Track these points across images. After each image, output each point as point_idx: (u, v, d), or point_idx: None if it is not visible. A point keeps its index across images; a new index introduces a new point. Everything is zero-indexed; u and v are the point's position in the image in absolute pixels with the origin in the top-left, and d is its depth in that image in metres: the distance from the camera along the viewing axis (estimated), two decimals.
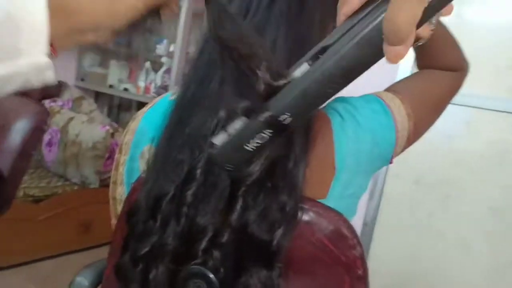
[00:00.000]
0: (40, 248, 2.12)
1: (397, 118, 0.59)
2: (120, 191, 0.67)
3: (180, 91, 0.55)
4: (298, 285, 0.53)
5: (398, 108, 0.60)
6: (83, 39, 0.38)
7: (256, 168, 0.46)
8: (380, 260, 1.72)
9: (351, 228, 0.53)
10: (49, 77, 0.36)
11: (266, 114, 0.36)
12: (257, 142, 0.37)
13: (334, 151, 0.56)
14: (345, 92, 0.64)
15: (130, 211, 0.54)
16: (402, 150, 0.63)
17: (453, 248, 1.63)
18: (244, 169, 0.46)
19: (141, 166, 0.62)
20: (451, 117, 1.62)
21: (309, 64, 0.35)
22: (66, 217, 2.20)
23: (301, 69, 0.35)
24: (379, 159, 0.59)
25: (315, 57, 0.35)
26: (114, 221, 0.68)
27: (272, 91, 0.36)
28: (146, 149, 0.61)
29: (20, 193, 2.02)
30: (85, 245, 2.30)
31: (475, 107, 1.59)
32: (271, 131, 0.36)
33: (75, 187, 2.28)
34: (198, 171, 0.49)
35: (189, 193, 0.49)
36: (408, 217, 1.73)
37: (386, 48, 0.31)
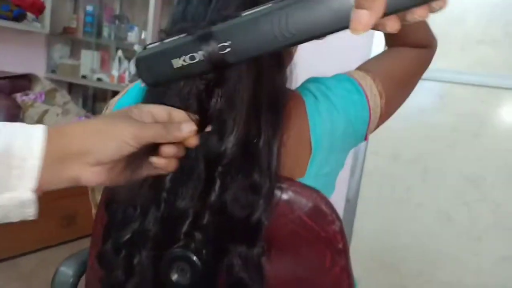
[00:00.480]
0: (22, 244, 2.09)
1: (369, 96, 0.60)
2: None
3: None
4: (281, 262, 0.54)
5: (370, 87, 0.61)
6: (71, 173, 0.39)
7: (227, 146, 0.47)
8: (363, 235, 1.77)
9: (329, 204, 0.54)
10: (30, 213, 0.37)
11: (202, 31, 0.34)
12: (184, 61, 0.35)
13: (310, 131, 0.57)
14: (318, 73, 0.65)
15: (109, 200, 0.54)
16: (376, 127, 0.65)
17: (433, 220, 1.68)
18: (216, 149, 0.47)
19: None
20: (424, 92, 1.65)
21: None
22: (48, 211, 2.17)
23: (263, 7, 0.33)
24: (354, 137, 0.60)
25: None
26: (94, 211, 0.68)
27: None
28: None
29: None
30: (69, 237, 2.27)
31: (447, 82, 1.62)
32: (203, 53, 0.34)
33: None
34: None
35: (167, 178, 0.49)
36: (389, 192, 1.77)
37: (353, 13, 0.30)
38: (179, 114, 0.44)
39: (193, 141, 0.43)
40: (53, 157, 0.37)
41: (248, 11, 0.34)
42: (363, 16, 0.29)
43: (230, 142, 0.47)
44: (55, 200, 2.19)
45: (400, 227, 1.75)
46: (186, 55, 0.35)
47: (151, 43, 0.38)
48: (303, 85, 0.61)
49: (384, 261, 1.76)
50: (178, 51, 0.36)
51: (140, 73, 0.39)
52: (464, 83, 1.59)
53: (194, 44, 0.35)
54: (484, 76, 1.56)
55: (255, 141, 0.49)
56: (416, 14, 0.31)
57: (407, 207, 1.74)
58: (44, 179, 0.36)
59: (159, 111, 0.43)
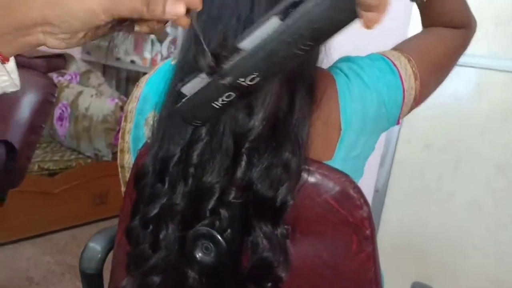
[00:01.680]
0: (56, 220, 2.18)
1: (404, 77, 0.58)
2: (128, 159, 0.67)
3: (180, 54, 0.55)
4: (306, 245, 0.54)
5: (405, 67, 0.59)
6: (33, 40, 0.36)
7: (256, 123, 0.46)
8: (391, 226, 1.73)
9: (357, 189, 0.52)
10: (5, 82, 0.36)
11: (226, 79, 0.36)
12: (224, 101, 0.38)
13: (340, 112, 0.55)
14: (351, 54, 0.63)
15: (138, 176, 0.55)
16: (410, 110, 0.62)
17: (462, 209, 1.63)
18: (244, 124, 0.47)
19: (146, 133, 0.62)
20: (459, 79, 1.58)
21: (280, 19, 0.34)
22: (81, 190, 2.25)
23: (270, 24, 0.34)
24: (386, 119, 0.58)
25: (285, 11, 0.34)
26: (123, 189, 0.69)
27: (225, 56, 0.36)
28: (151, 116, 0.61)
29: (35, 167, 2.05)
30: (100, 216, 2.35)
31: (483, 68, 1.55)
32: (235, 92, 0.37)
33: (89, 160, 2.31)
34: (203, 131, 0.49)
35: (195, 153, 0.49)
36: (419, 181, 1.72)
37: (360, 13, 0.30)
38: None
39: (184, 22, 0.37)
40: (9, 26, 0.34)
41: (254, 33, 0.35)
42: (372, 16, 0.30)
43: (259, 118, 0.47)
44: (89, 180, 2.26)
45: (429, 218, 1.70)
46: (222, 95, 0.38)
47: (183, 87, 0.40)
48: (335, 64, 0.59)
49: (411, 252, 1.73)
50: (214, 95, 0.38)
51: (188, 120, 0.42)
52: (499, 69, 1.52)
53: (225, 86, 0.37)
54: None
55: (286, 118, 0.49)
56: None
57: (437, 197, 1.69)
58: (3, 47, 0.35)
59: None
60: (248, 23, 0.47)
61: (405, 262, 1.73)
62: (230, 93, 0.37)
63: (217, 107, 0.38)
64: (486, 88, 1.56)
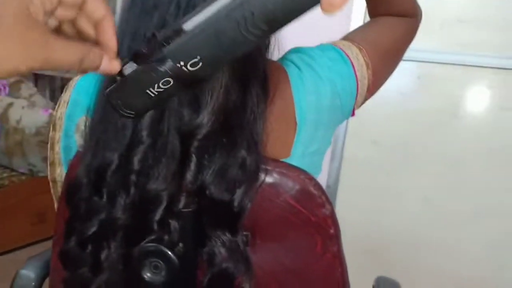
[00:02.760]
0: None
1: (356, 67, 0.56)
2: (60, 172, 0.60)
3: None
4: (267, 251, 0.49)
5: (356, 57, 0.57)
6: None
7: (204, 119, 0.41)
8: (344, 222, 1.73)
9: (318, 186, 0.49)
10: None
11: (164, 62, 0.31)
12: (160, 88, 0.33)
13: (294, 106, 0.52)
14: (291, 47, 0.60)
15: (70, 190, 0.48)
16: (363, 101, 0.61)
17: (414, 206, 1.66)
18: (190, 121, 0.41)
19: (77, 141, 0.55)
20: (403, 73, 1.62)
21: None
22: (17, 210, 2.07)
23: (219, 2, 0.29)
24: (341, 110, 0.56)
25: None
26: (57, 205, 0.61)
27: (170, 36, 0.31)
28: (81, 121, 0.54)
29: None
30: (41, 236, 2.17)
31: (426, 62, 1.59)
32: (173, 79, 0.32)
33: (23, 177, 2.13)
34: (144, 133, 0.43)
35: (136, 158, 0.43)
36: (369, 177, 1.74)
37: None
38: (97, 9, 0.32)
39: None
40: None
41: (199, 12, 0.30)
42: (335, 0, 0.28)
43: (207, 113, 0.41)
44: (24, 199, 2.09)
45: (382, 214, 1.73)
46: (158, 82, 0.32)
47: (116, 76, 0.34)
48: (285, 56, 0.56)
49: (366, 249, 1.74)
50: (149, 81, 0.33)
51: (117, 108, 0.35)
52: (442, 62, 1.57)
53: (163, 71, 0.32)
54: (463, 55, 1.53)
55: (238, 112, 0.44)
56: None
57: (388, 194, 1.71)
58: None
59: None
60: (189, 10, 0.42)
61: (361, 259, 1.75)
62: (167, 79, 0.32)
63: (152, 95, 0.33)
64: (427, 82, 1.61)
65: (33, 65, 0.28)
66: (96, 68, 0.32)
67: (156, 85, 0.32)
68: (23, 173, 2.16)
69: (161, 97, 0.33)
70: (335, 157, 1.78)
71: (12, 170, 2.17)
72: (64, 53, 0.30)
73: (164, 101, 0.37)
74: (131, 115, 0.35)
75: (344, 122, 1.76)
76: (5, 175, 2.11)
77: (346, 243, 0.51)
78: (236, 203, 0.43)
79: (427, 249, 1.65)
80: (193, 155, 0.42)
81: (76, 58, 0.30)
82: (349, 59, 0.56)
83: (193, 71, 0.31)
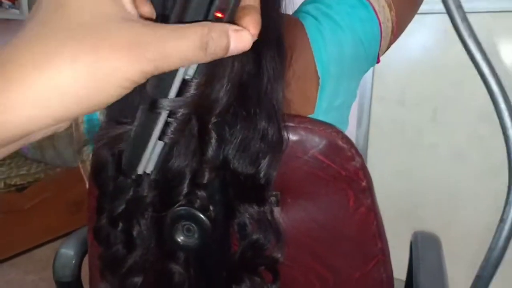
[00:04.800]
0: (33, 236, 2.07)
1: (377, 9, 0.52)
2: (87, 151, 0.60)
3: None
4: (298, 210, 0.48)
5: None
6: None
7: (220, 94, 0.39)
8: (377, 185, 1.71)
9: (346, 139, 0.47)
10: None
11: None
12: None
13: (314, 59, 0.49)
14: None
15: (97, 170, 0.47)
16: (389, 46, 0.57)
17: (446, 160, 1.62)
18: (206, 96, 0.38)
19: (100, 119, 0.55)
20: (429, 27, 1.55)
21: None
22: (54, 201, 2.14)
23: None
24: (365, 58, 0.53)
25: None
26: (88, 184, 0.61)
27: None
28: None
29: (1, 184, 1.93)
30: (79, 225, 2.22)
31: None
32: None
33: (57, 170, 2.19)
34: None
35: None
36: (399, 138, 1.70)
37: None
38: None
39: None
40: None
41: None
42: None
43: (222, 86, 0.39)
44: (60, 190, 2.15)
45: (414, 172, 1.69)
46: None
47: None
48: (300, 8, 0.53)
49: (401, 208, 1.72)
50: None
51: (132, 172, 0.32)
52: (470, 11, 1.48)
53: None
54: (491, 2, 1.45)
55: (254, 82, 0.41)
56: None
57: (419, 151, 1.67)
58: None
59: None
60: None
61: (395, 219, 1.73)
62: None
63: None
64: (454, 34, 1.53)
65: (146, 68, 0.22)
66: (226, 49, 0.25)
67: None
68: (56, 166, 2.22)
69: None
70: (362, 123, 1.75)
71: (46, 163, 2.24)
72: (178, 42, 0.22)
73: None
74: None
75: (369, 86, 1.71)
76: (39, 169, 2.18)
77: (380, 203, 0.50)
78: (261, 175, 0.42)
79: (462, 204, 1.61)
80: (212, 131, 0.40)
81: (196, 44, 0.23)
82: (369, 2, 0.53)
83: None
